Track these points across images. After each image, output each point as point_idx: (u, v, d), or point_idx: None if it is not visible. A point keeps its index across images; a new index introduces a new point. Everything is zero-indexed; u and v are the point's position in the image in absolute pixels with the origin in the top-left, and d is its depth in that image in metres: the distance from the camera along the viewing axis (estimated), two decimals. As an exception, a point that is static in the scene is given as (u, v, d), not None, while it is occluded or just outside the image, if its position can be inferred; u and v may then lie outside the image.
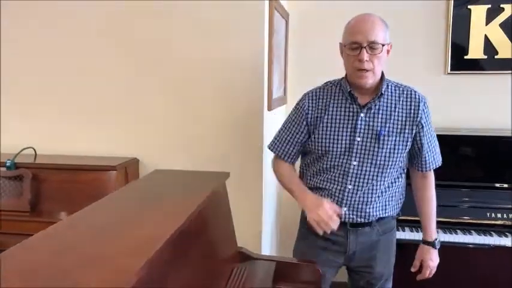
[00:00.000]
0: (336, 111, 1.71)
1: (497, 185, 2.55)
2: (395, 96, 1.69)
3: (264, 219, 2.33)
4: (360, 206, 1.70)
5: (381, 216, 1.74)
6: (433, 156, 1.75)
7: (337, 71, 1.81)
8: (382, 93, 1.66)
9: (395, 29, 2.87)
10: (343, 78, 1.74)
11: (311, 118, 1.74)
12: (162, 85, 2.32)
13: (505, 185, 2.53)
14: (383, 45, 1.60)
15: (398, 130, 1.67)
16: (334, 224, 1.57)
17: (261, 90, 2.20)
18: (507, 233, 2.39)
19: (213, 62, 2.24)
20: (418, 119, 1.67)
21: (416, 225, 2.39)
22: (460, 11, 2.80)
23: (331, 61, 2.93)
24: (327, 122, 1.71)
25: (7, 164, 2.06)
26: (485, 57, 2.82)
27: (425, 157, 1.73)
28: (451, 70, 2.87)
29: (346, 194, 1.70)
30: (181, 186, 1.49)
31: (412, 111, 1.67)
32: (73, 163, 2.12)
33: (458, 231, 2.45)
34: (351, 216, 1.72)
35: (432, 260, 1.80)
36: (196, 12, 2.22)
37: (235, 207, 2.22)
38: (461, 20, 2.81)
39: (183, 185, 1.52)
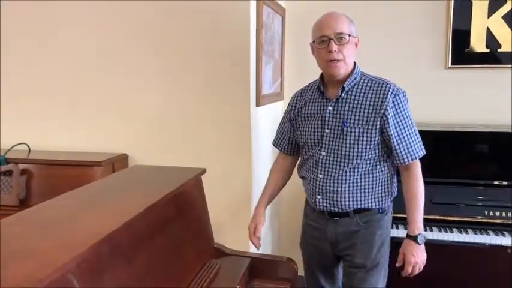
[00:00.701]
0: (311, 105, 1.83)
1: (496, 182, 2.47)
2: (365, 89, 1.74)
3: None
4: (331, 195, 1.76)
5: (357, 207, 1.76)
6: (407, 148, 1.72)
7: None
8: (344, 87, 1.73)
9: (395, 23, 2.85)
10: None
11: (293, 113, 1.90)
12: (152, 82, 2.33)
13: (504, 183, 2.45)
14: (349, 35, 1.69)
15: (364, 122, 1.70)
16: (255, 243, 1.83)
17: (247, 86, 2.18)
18: (504, 232, 2.32)
19: (199, 58, 2.24)
20: (383, 110, 1.69)
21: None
22: (461, 4, 2.72)
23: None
24: (304, 116, 1.84)
25: (-3, 159, 2.11)
26: (488, 50, 2.73)
27: (396, 149, 1.72)
28: (451, 64, 2.79)
29: (318, 182, 1.78)
30: (149, 182, 1.50)
31: (379, 103, 1.70)
32: (62, 159, 2.15)
33: (455, 229, 2.38)
34: (324, 204, 1.78)
35: (414, 255, 1.75)
36: (183, 7, 2.23)
37: (222, 204, 2.23)
38: (463, 12, 2.72)
39: (153, 180, 1.52)
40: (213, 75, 2.24)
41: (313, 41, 1.76)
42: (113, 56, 2.36)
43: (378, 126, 1.69)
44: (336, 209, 1.77)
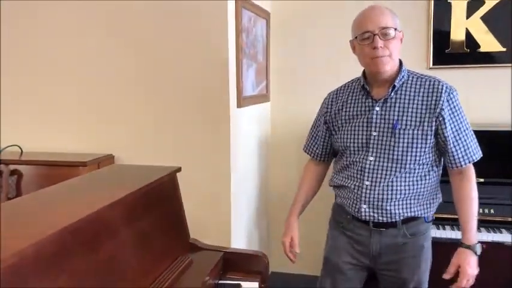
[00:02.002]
0: (353, 106, 1.72)
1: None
2: (415, 88, 1.63)
3: (234, 215, 2.40)
4: (379, 204, 1.64)
5: (406, 215, 1.66)
6: (464, 150, 1.62)
7: (321, 68, 1.87)
8: (395, 86, 1.63)
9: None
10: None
11: (329, 116, 1.79)
12: (136, 85, 2.42)
13: (481, 180, 2.50)
14: (395, 29, 1.59)
15: (417, 123, 1.60)
16: (291, 257, 1.82)
17: (227, 88, 2.26)
18: (502, 229, 2.35)
19: (180, 61, 2.32)
20: (438, 110, 1.58)
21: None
22: (441, 5, 2.78)
23: (315, 59, 3.01)
24: (345, 118, 1.73)
25: (-13, 161, 2.21)
26: (468, 50, 2.79)
27: (452, 152, 1.61)
28: (433, 65, 2.85)
29: (364, 190, 1.66)
30: (122, 179, 1.59)
31: (433, 102, 1.59)
32: (49, 159, 2.25)
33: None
34: (371, 214, 1.66)
35: (471, 266, 1.60)
36: (166, 10, 2.32)
37: (204, 202, 2.31)
38: (442, 14, 2.79)
39: (126, 178, 1.61)
40: (194, 78, 2.32)
41: (355, 38, 1.64)
42: (99, 59, 2.46)
43: (433, 128, 1.59)
44: (384, 219, 1.66)
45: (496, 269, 2.35)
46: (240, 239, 2.52)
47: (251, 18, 2.56)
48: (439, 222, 2.42)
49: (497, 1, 2.69)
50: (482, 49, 2.76)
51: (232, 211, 2.35)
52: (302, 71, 3.01)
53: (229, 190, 2.32)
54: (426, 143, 1.61)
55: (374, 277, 1.83)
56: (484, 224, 2.37)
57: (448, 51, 2.82)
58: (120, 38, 2.41)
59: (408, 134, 1.60)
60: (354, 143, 1.68)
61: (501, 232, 2.35)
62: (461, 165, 1.63)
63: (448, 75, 2.83)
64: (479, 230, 2.30)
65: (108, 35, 2.43)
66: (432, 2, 2.79)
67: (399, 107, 1.63)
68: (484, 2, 2.71)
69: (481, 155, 1.67)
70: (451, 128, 1.60)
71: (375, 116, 1.65)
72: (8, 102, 2.61)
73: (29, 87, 2.60)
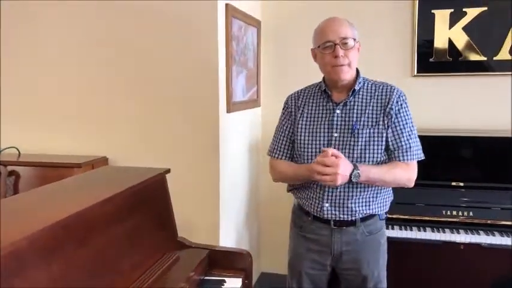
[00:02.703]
0: (314, 109, 1.82)
1: (454, 183, 2.62)
2: (371, 92, 1.77)
3: (223, 216, 2.49)
4: (341, 201, 1.74)
5: (366, 213, 1.76)
6: (405, 147, 1.72)
7: (310, 74, 1.97)
8: (355, 90, 1.75)
9: (362, 32, 2.99)
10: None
11: (292, 116, 1.87)
12: (131, 89, 2.51)
13: (461, 184, 2.61)
14: (354, 39, 1.72)
15: (373, 123, 1.72)
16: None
17: (216, 94, 2.36)
18: (495, 232, 2.43)
19: (173, 68, 2.43)
20: (387, 110, 1.72)
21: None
22: (424, 15, 2.89)
23: (305, 65, 3.10)
24: (306, 119, 1.82)
25: (-15, 162, 2.31)
26: (450, 59, 2.90)
27: (393, 146, 1.72)
28: (417, 72, 2.96)
29: (326, 188, 1.74)
30: (111, 180, 1.69)
31: (385, 103, 1.73)
32: (46, 161, 2.34)
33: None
34: (333, 212, 1.75)
35: (340, 168, 1.56)
36: (158, 18, 2.42)
37: (194, 203, 2.41)
38: (426, 23, 2.90)
39: (115, 178, 1.71)
40: (185, 84, 2.42)
41: (317, 47, 1.75)
42: (94, 64, 2.55)
43: (386, 126, 1.72)
44: (345, 217, 1.74)
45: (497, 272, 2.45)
46: (229, 239, 2.62)
47: (241, 27, 2.67)
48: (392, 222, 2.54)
49: (478, 12, 2.80)
50: (464, 58, 2.87)
51: (220, 212, 2.45)
52: (292, 77, 3.10)
53: (217, 192, 2.42)
54: (382, 141, 1.73)
55: (336, 277, 1.92)
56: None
57: (432, 60, 2.93)
58: (114, 44, 2.51)
59: (366, 133, 1.72)
60: (316, 143, 1.77)
61: (502, 236, 2.39)
62: (400, 160, 1.72)
63: (432, 83, 2.96)
64: (474, 233, 2.41)
65: (104, 41, 2.53)
66: (416, 12, 2.90)
67: (357, 109, 1.75)
68: (465, 13, 2.83)
69: (422, 157, 1.78)
70: (396, 125, 1.72)
71: (335, 118, 1.76)
72: (7, 104, 2.70)
73: (27, 89, 2.69)
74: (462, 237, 2.42)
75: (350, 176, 1.62)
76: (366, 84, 1.80)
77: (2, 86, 2.71)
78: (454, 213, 2.52)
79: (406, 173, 1.74)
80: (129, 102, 2.52)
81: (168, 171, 1.85)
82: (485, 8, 2.79)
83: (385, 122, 1.72)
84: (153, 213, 1.71)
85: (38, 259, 1.08)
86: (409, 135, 1.75)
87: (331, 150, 1.61)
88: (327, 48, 1.71)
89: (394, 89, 1.77)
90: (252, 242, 3.13)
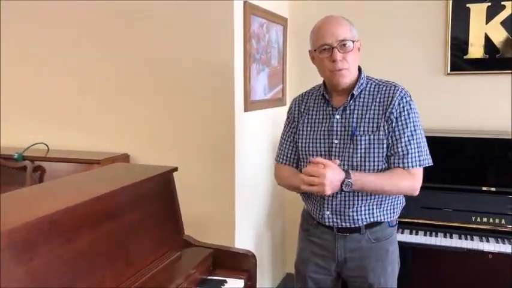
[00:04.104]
0: (315, 114, 1.75)
1: (485, 188, 2.46)
2: (373, 94, 1.66)
3: (239, 216, 2.48)
4: (342, 210, 1.67)
5: (369, 221, 1.68)
6: (403, 155, 1.60)
7: None
8: (354, 94, 1.65)
9: (394, 30, 2.90)
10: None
11: (295, 121, 1.81)
12: (151, 87, 2.55)
13: (493, 189, 2.45)
14: (353, 41, 1.61)
15: (374, 129, 1.61)
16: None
17: (232, 93, 2.35)
18: (490, 238, 2.31)
19: (190, 65, 2.44)
20: (388, 113, 1.60)
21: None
22: (459, 11, 2.74)
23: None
24: (306, 125, 1.76)
25: (15, 156, 2.42)
26: (487, 56, 2.72)
27: (392, 153, 1.61)
28: (450, 71, 2.81)
29: (326, 197, 1.66)
30: (117, 176, 1.72)
31: (386, 106, 1.61)
32: (68, 157, 2.43)
33: (440, 233, 2.39)
34: (334, 220, 1.69)
35: (328, 176, 1.48)
36: (172, 16, 2.44)
37: (209, 202, 2.42)
38: (461, 19, 2.75)
39: (121, 175, 1.74)
40: (203, 83, 2.42)
41: (314, 50, 1.67)
42: (116, 63, 2.61)
43: (387, 132, 1.60)
44: (348, 224, 1.68)
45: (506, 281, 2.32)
46: (247, 240, 2.60)
47: (263, 24, 2.64)
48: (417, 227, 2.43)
49: (518, 6, 2.62)
50: (501, 55, 2.69)
51: (236, 212, 2.43)
52: (319, 75, 3.04)
53: (233, 191, 2.41)
54: (383, 148, 1.61)
55: (345, 284, 1.85)
56: (482, 233, 2.34)
57: (466, 57, 2.77)
58: (132, 44, 2.55)
59: (365, 139, 1.62)
60: (316, 150, 1.71)
61: (504, 242, 2.27)
62: (398, 166, 1.60)
63: (467, 82, 2.80)
64: (487, 241, 2.30)
65: (120, 41, 2.58)
66: (450, 6, 2.75)
67: (357, 114, 1.65)
68: (504, 7, 2.65)
69: (427, 164, 1.63)
70: (395, 130, 1.60)
71: (335, 124, 1.67)
72: (33, 103, 2.83)
73: (53, 89, 2.79)
74: (491, 246, 2.27)
75: (341, 185, 1.53)
76: (368, 85, 1.69)
77: (30, 85, 2.83)
78: (484, 219, 2.38)
79: (408, 182, 1.61)
80: (150, 100, 2.56)
81: (176, 169, 1.85)
82: (527, 1, 2.60)
83: (386, 127, 1.61)
84: (156, 211, 1.72)
85: (18, 251, 1.11)
86: (409, 140, 1.61)
87: (318, 159, 1.54)
88: (324, 51, 1.61)
89: (397, 90, 1.63)
90: (275, 242, 3.09)
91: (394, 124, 1.61)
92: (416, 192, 1.65)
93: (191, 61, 2.42)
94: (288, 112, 1.88)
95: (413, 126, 1.62)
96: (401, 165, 1.61)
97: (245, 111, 2.46)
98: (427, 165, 1.65)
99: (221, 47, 2.33)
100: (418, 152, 1.62)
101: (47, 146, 2.68)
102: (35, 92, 2.83)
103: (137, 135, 2.60)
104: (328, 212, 1.69)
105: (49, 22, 2.74)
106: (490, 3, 2.67)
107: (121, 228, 1.50)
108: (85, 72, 2.70)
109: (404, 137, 1.61)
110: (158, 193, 1.76)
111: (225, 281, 1.73)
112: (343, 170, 1.57)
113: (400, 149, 1.61)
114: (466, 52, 2.76)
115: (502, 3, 2.65)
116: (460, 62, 2.78)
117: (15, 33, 2.82)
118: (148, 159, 2.55)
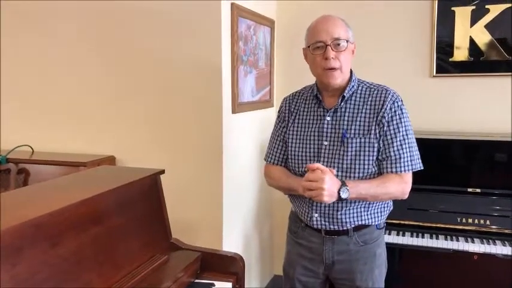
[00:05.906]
0: (305, 115, 1.74)
1: (470, 189, 2.49)
2: (364, 97, 1.65)
3: (226, 218, 2.46)
4: (330, 212, 1.66)
5: (357, 224, 1.67)
6: (395, 159, 1.60)
7: None
8: (344, 96, 1.65)
9: (380, 32, 2.92)
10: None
11: (285, 121, 1.80)
12: (137, 86, 2.52)
13: (478, 190, 2.48)
14: (347, 41, 1.61)
15: (365, 132, 1.61)
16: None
17: (219, 94, 2.33)
18: (475, 238, 2.34)
19: (178, 69, 2.42)
20: (380, 117, 1.60)
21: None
22: (444, 13, 2.77)
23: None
24: (296, 125, 1.75)
25: (-2, 159, 2.38)
26: (471, 59, 2.76)
27: (382, 158, 1.60)
28: (436, 73, 2.84)
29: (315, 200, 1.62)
30: (102, 179, 1.69)
31: (378, 109, 1.61)
32: (53, 159, 2.39)
33: (426, 235, 2.40)
34: (322, 222, 1.68)
35: (326, 184, 1.47)
36: (159, 17, 2.42)
37: (196, 205, 2.40)
38: (446, 22, 2.77)
39: (106, 178, 1.72)
40: (190, 84, 2.40)
41: (308, 47, 1.66)
42: (102, 64, 2.58)
43: (378, 135, 1.60)
44: (336, 227, 1.67)
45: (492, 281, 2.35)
46: (234, 242, 2.59)
47: (251, 26, 2.63)
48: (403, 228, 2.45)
49: (501, 9, 2.65)
50: (486, 58, 2.73)
51: (224, 215, 2.42)
52: (307, 77, 3.02)
53: (221, 194, 2.40)
54: (373, 152, 1.61)
55: (333, 286, 1.85)
56: (481, 235, 2.34)
57: (451, 60, 2.80)
58: (118, 44, 2.52)
59: (356, 142, 1.61)
60: (305, 151, 1.70)
61: (489, 243, 2.28)
62: (389, 171, 1.60)
63: (452, 84, 2.83)
64: (472, 241, 2.32)
65: (107, 41, 2.54)
66: (436, 9, 2.78)
67: (348, 116, 1.65)
68: (488, 10, 2.68)
69: (418, 168, 1.63)
70: (387, 134, 1.60)
71: (325, 126, 1.67)
72: (18, 104, 2.78)
73: (37, 90, 2.74)
74: (476, 247, 2.29)
75: (339, 193, 1.52)
76: (360, 88, 1.68)
77: (13, 86, 2.78)
78: (470, 220, 2.40)
79: (399, 186, 1.62)
80: (137, 102, 2.53)
81: (162, 172, 1.84)
82: (510, 5, 2.63)
83: (377, 131, 1.61)
84: (142, 214, 1.70)
85: (1, 258, 1.09)
86: (401, 144, 1.61)
87: (317, 165, 1.53)
88: (317, 48, 1.61)
89: (389, 94, 1.63)
90: (263, 244, 3.09)
91: (385, 128, 1.61)
92: (406, 196, 1.66)
93: (178, 63, 2.41)
94: (278, 111, 1.87)
95: (405, 130, 1.62)
96: (393, 169, 1.61)
97: (233, 113, 2.45)
98: (418, 170, 1.66)
99: (208, 48, 2.32)
100: (410, 156, 1.62)
101: (32, 148, 2.64)
102: (18, 94, 2.78)
103: (123, 137, 2.57)
104: (316, 215, 1.69)
105: (47, 23, 2.70)
106: (474, 7, 2.70)
107: (107, 232, 1.48)
108: (70, 74, 2.66)
109: (396, 142, 1.61)
110: (145, 196, 1.75)
111: (213, 284, 1.73)
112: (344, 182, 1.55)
113: (392, 153, 1.61)
114: (451, 55, 2.79)
115: (486, 6, 2.68)
116: (445, 64, 2.81)
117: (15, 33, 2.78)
118: (134, 161, 2.52)
